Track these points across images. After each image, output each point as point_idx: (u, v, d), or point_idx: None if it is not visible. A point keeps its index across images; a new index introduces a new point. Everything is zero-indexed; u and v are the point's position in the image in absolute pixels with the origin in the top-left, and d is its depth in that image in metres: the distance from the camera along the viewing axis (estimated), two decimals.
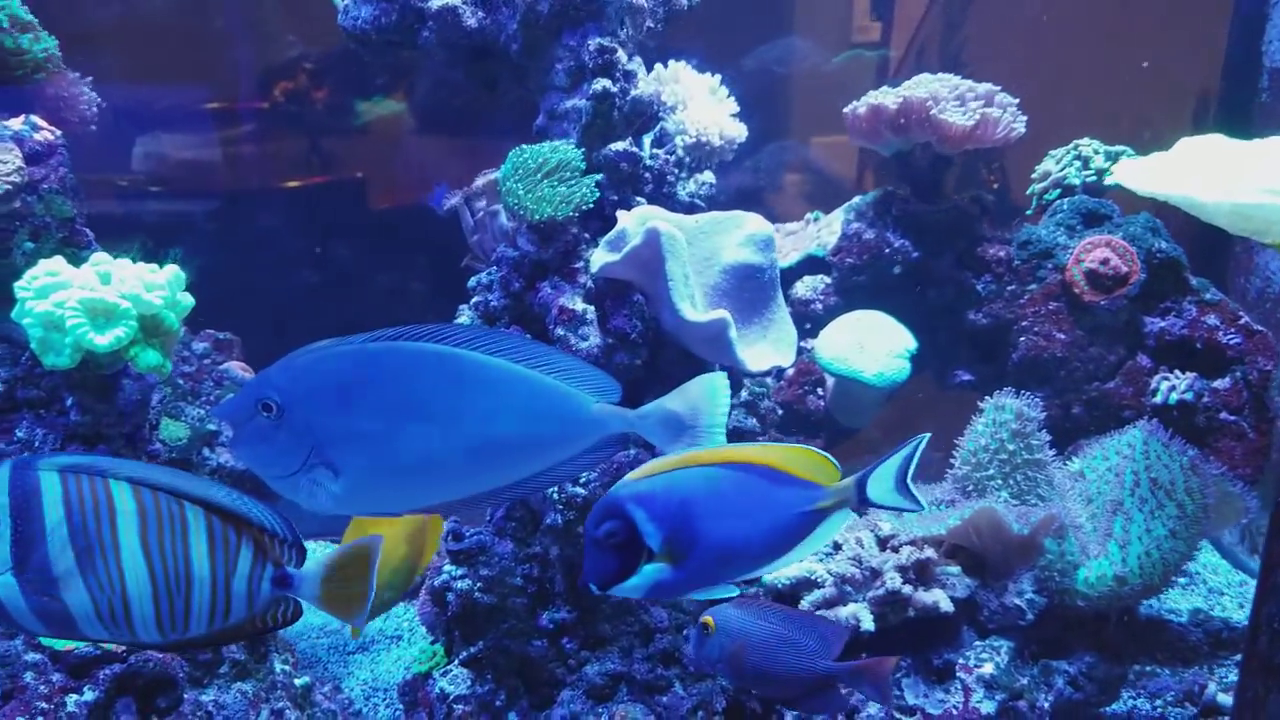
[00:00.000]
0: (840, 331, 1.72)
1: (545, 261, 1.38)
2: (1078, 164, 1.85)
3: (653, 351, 1.40)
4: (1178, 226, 1.81)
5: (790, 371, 1.85)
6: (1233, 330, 1.72)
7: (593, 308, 1.36)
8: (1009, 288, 1.81)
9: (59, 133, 1.44)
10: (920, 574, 1.38)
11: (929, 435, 0.88)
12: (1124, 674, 1.47)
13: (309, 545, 0.90)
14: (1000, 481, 1.47)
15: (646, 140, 1.47)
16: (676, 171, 1.48)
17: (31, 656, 1.27)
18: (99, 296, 1.21)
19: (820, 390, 1.87)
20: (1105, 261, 1.70)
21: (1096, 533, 1.45)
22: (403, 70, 2.34)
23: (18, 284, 1.23)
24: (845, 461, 2.24)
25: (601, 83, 1.37)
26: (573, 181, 1.34)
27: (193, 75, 2.29)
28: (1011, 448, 1.46)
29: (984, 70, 1.79)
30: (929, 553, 1.39)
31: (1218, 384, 1.70)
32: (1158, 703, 1.54)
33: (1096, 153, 1.84)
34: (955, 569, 1.41)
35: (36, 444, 1.35)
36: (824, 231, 1.94)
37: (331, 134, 2.43)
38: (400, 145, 2.50)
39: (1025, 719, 1.35)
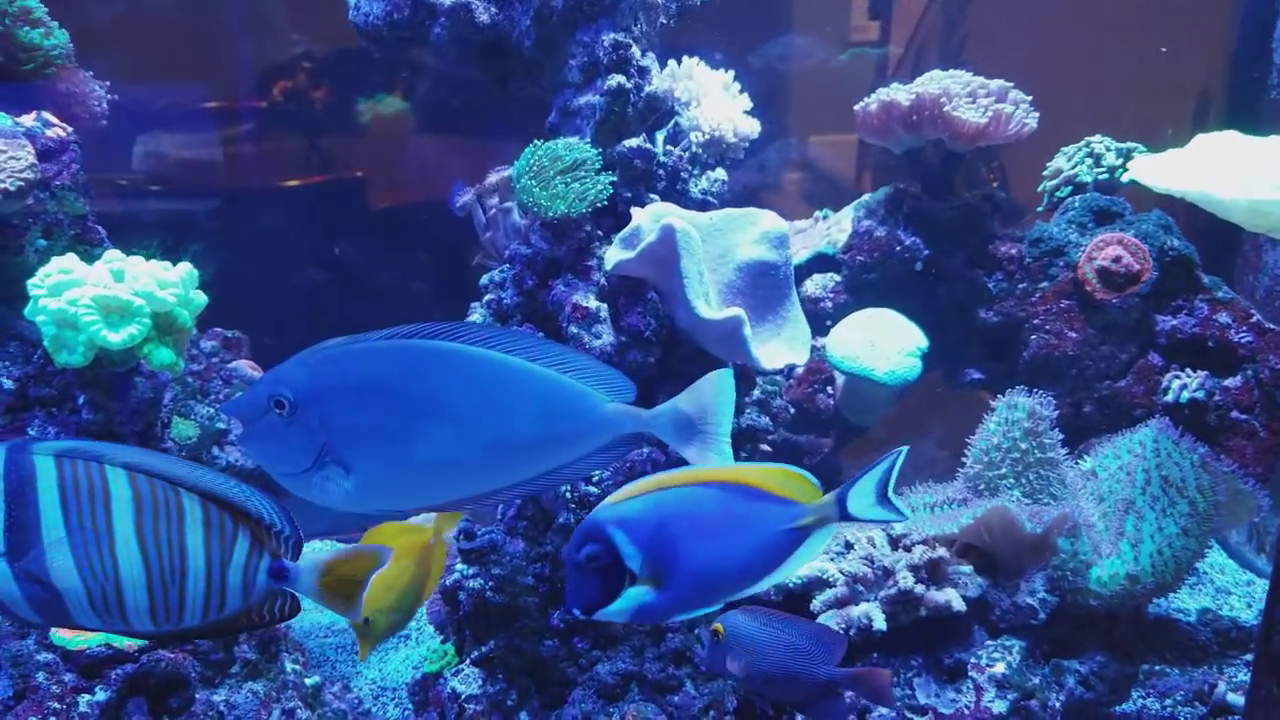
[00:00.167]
0: (851, 329, 1.71)
1: (559, 259, 1.38)
2: (1089, 161, 1.84)
3: (666, 349, 1.40)
4: (1184, 223, 1.81)
5: (800, 369, 1.85)
6: (1244, 328, 1.71)
7: (606, 305, 1.36)
8: (1020, 285, 1.80)
9: (70, 129, 1.43)
10: (932, 573, 1.38)
11: (907, 448, 0.88)
12: (1135, 673, 1.47)
13: (317, 545, 0.90)
14: (1013, 480, 1.47)
15: (660, 137, 1.46)
16: (690, 168, 1.47)
17: (44, 656, 1.27)
18: (112, 294, 1.21)
19: (830, 388, 1.87)
20: (1117, 259, 1.70)
21: (1109, 531, 1.45)
22: (409, 67, 2.34)
23: (31, 281, 1.22)
24: (854, 459, 2.24)
25: (616, 79, 1.36)
26: (586, 178, 1.33)
27: (195, 73, 2.28)
28: (1024, 446, 1.46)
29: (984, 68, 1.79)
30: (941, 552, 1.38)
31: (1229, 382, 1.69)
32: (1167, 702, 1.54)
33: (1109, 150, 1.83)
34: (967, 568, 1.41)
35: None
36: (834, 229, 1.94)
37: (335, 132, 2.43)
38: (405, 143, 2.50)
39: (1037, 718, 1.35)
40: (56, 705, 1.25)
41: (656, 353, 1.37)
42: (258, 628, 0.90)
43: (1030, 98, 1.72)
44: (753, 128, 1.53)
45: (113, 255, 1.26)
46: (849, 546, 1.44)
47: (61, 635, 1.28)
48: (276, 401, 0.86)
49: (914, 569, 1.36)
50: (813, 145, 2.54)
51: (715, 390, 0.91)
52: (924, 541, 1.39)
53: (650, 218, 1.31)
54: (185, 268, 1.28)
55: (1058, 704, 1.36)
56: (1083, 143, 1.89)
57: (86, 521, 0.78)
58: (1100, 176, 1.84)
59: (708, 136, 1.48)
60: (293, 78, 2.35)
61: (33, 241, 1.36)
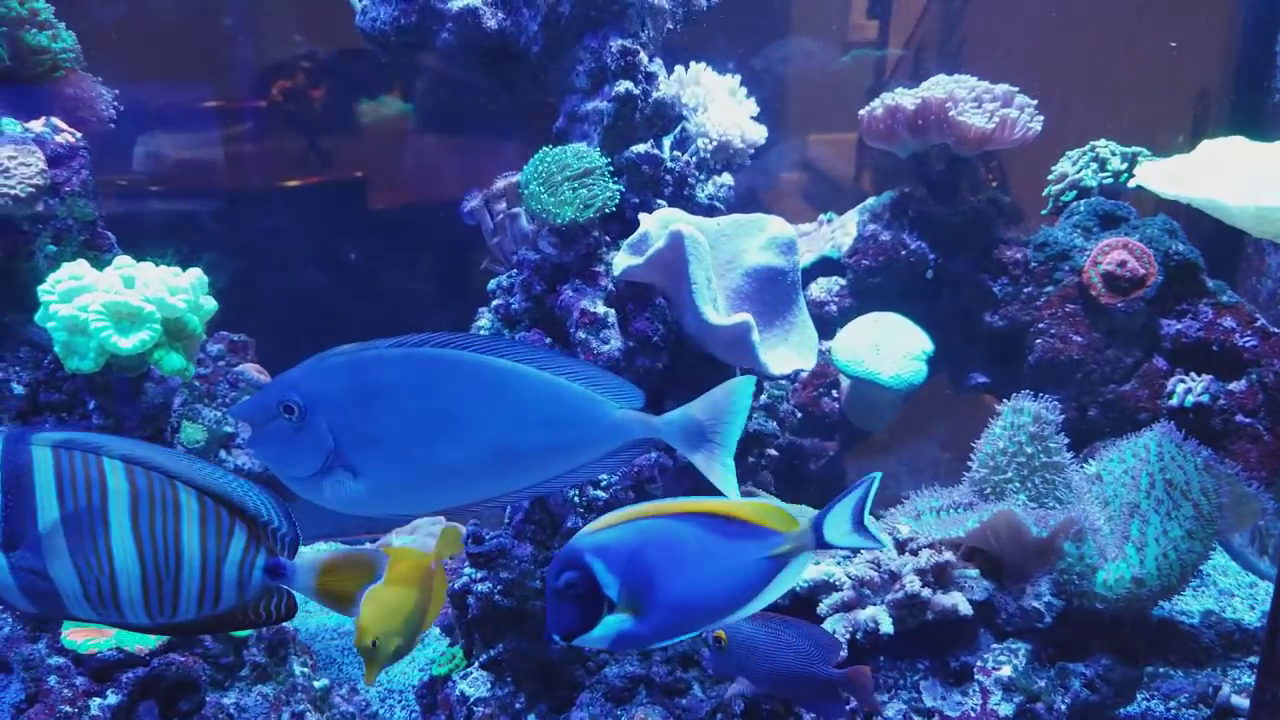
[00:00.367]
0: (857, 333, 1.72)
1: (566, 264, 1.38)
2: (1094, 165, 1.85)
3: (674, 355, 1.40)
4: (1186, 228, 1.81)
5: (804, 374, 1.85)
6: (1249, 333, 1.72)
7: (614, 311, 1.37)
8: (1025, 290, 1.81)
9: (79, 135, 1.43)
10: (939, 577, 1.38)
11: (880, 475, 0.90)
12: (1139, 676, 1.48)
13: (321, 546, 0.90)
14: (1018, 484, 1.47)
15: (666, 142, 1.47)
16: (697, 174, 1.48)
17: (55, 660, 1.28)
18: (123, 300, 1.21)
19: (835, 392, 1.88)
20: (1122, 264, 1.70)
21: (1114, 535, 1.45)
22: (414, 69, 2.34)
23: (41, 287, 1.23)
24: (859, 463, 2.24)
25: (624, 85, 1.37)
26: (594, 184, 1.34)
27: (198, 74, 2.28)
28: (1030, 450, 1.46)
29: (982, 69, 1.79)
30: (948, 555, 1.39)
31: (1234, 386, 1.70)
32: (1171, 704, 1.54)
33: (1113, 154, 1.84)
34: (974, 572, 1.41)
35: None
36: (838, 233, 1.94)
37: (338, 133, 2.43)
38: (411, 144, 2.50)
39: None
40: (68, 709, 1.26)
41: (664, 358, 1.38)
42: (254, 626, 0.89)
43: (1035, 102, 1.73)
44: (760, 134, 1.53)
45: (123, 261, 1.27)
46: (855, 551, 1.44)
47: (73, 639, 1.29)
48: (286, 407, 0.86)
49: (920, 573, 1.37)
50: (812, 147, 2.54)
51: (732, 398, 0.92)
52: (930, 545, 1.40)
53: (658, 224, 1.31)
54: (195, 273, 1.29)
55: (1063, 707, 1.37)
56: (1087, 147, 1.89)
57: (83, 513, 0.78)
58: (1105, 181, 1.85)
59: (715, 142, 1.49)
60: (293, 78, 2.35)
61: (42, 247, 1.37)
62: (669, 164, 1.45)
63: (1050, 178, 1.95)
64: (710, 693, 1.40)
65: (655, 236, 1.29)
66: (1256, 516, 1.53)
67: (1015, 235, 1.84)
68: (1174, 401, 1.69)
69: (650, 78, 1.42)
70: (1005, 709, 1.34)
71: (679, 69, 1.55)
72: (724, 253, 1.36)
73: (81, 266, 1.24)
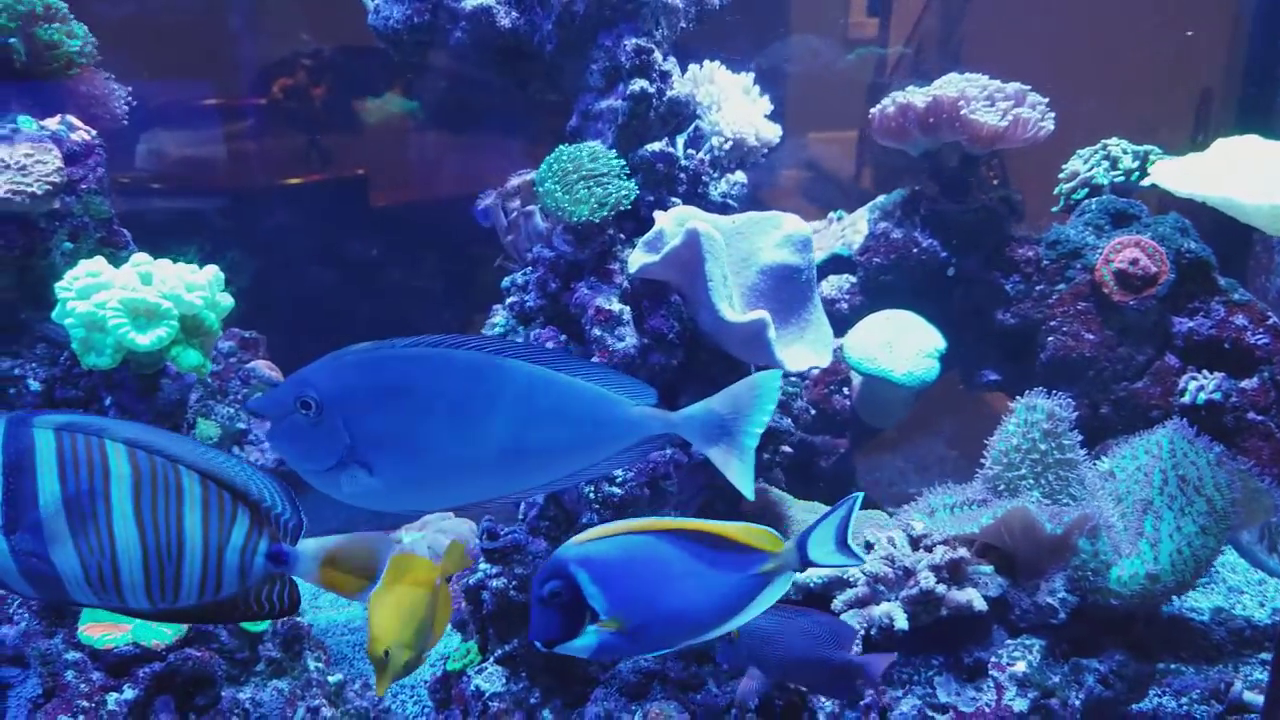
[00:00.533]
0: (869, 331, 1.72)
1: (581, 262, 1.38)
2: (1105, 164, 1.85)
3: (688, 352, 1.40)
4: (1194, 225, 1.81)
5: (815, 371, 1.85)
6: (1261, 330, 1.72)
7: (629, 308, 1.37)
8: (1037, 287, 1.81)
9: (95, 132, 1.44)
10: (953, 573, 1.38)
11: (862, 495, 0.92)
12: (1152, 672, 1.48)
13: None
14: (1032, 481, 1.47)
15: (680, 140, 1.47)
16: (711, 172, 1.48)
17: (72, 655, 1.29)
18: (140, 297, 1.21)
19: (846, 390, 1.88)
20: (1134, 262, 1.70)
21: (1128, 532, 1.46)
22: (423, 69, 2.34)
23: (59, 284, 1.23)
24: (869, 460, 2.24)
25: (639, 83, 1.37)
26: (609, 183, 1.34)
27: (206, 73, 2.29)
28: (1043, 447, 1.46)
29: (982, 67, 1.79)
30: (962, 552, 1.39)
31: (1245, 384, 1.70)
32: (1183, 700, 1.54)
33: (1125, 152, 1.84)
34: (988, 568, 1.41)
35: None
36: (849, 230, 1.95)
37: (342, 131, 2.44)
38: (417, 144, 2.50)
39: (1057, 716, 1.36)
40: (85, 704, 1.26)
41: (679, 355, 1.38)
42: (257, 618, 0.88)
43: (1047, 100, 1.73)
44: (774, 133, 1.54)
45: (140, 258, 1.27)
46: (869, 546, 1.45)
47: (89, 634, 1.29)
48: (303, 402, 0.87)
49: (935, 569, 1.37)
50: (813, 145, 2.54)
51: (756, 392, 0.92)
52: (945, 542, 1.40)
53: (674, 221, 1.31)
54: (212, 270, 1.29)
55: (1077, 702, 1.37)
56: (1099, 145, 1.90)
57: (84, 496, 0.77)
58: (1116, 179, 1.85)
59: (730, 141, 1.49)
60: (294, 75, 2.36)
61: (59, 244, 1.37)
62: (683, 162, 1.45)
63: (1061, 176, 1.95)
64: (725, 688, 1.40)
65: (671, 234, 1.30)
66: (1269, 513, 1.53)
67: (1027, 233, 1.85)
68: (1186, 399, 1.69)
69: (665, 76, 1.42)
70: (1020, 704, 1.34)
71: (693, 67, 1.55)
72: (739, 250, 1.36)
73: (99, 263, 1.25)
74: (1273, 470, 1.65)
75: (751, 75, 1.59)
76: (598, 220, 1.34)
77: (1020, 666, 1.37)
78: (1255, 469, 1.50)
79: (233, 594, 0.85)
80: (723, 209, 1.52)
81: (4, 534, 0.76)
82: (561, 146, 1.36)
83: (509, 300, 1.44)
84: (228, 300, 1.30)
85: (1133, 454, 1.53)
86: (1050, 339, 1.80)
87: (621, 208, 1.35)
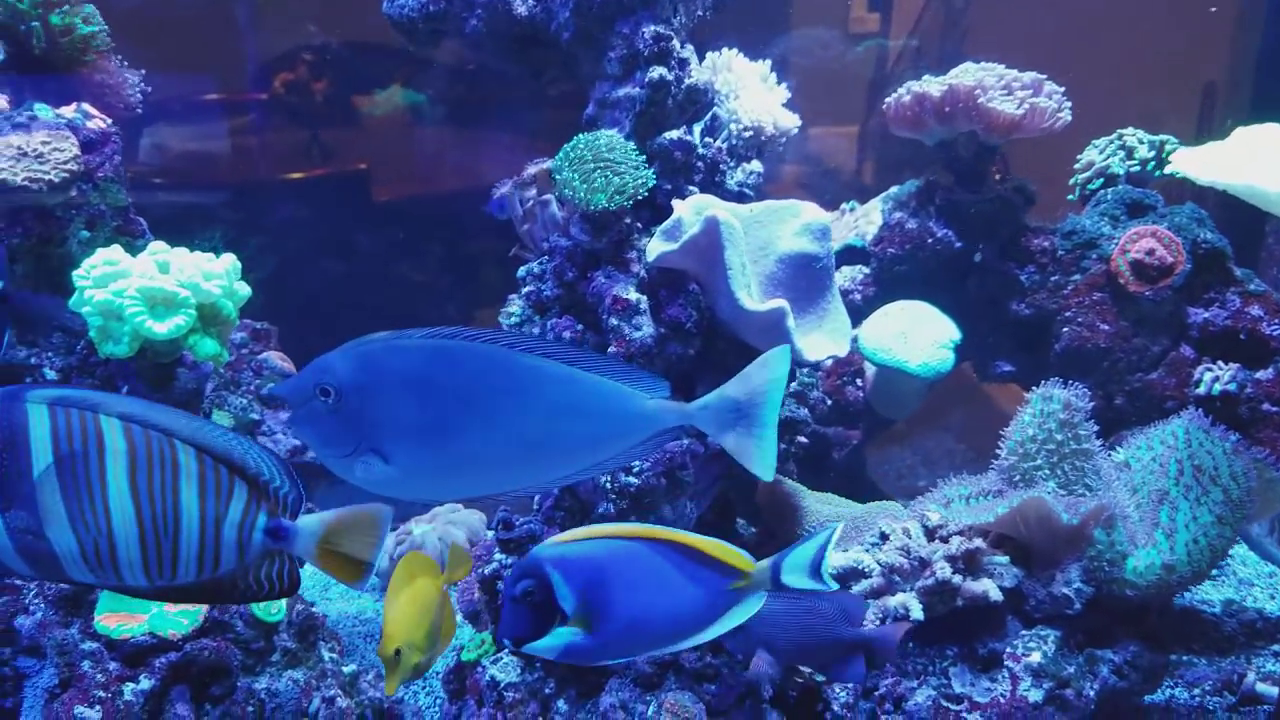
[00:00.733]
0: (884, 321, 1.72)
1: (598, 251, 1.38)
2: (1121, 154, 1.84)
3: (706, 341, 1.40)
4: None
5: (828, 362, 1.85)
6: (1276, 321, 1.72)
7: (646, 297, 1.36)
8: (1053, 278, 1.81)
9: (110, 121, 1.43)
10: (969, 564, 1.38)
11: (841, 525, 0.96)
12: (1166, 663, 1.48)
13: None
14: (1048, 471, 1.47)
15: (697, 129, 1.46)
16: (729, 160, 1.48)
17: (88, 645, 1.29)
18: (158, 285, 1.21)
19: (859, 381, 1.88)
20: (1151, 252, 1.70)
21: (1143, 522, 1.46)
22: (427, 62, 2.34)
23: (76, 273, 1.23)
24: (878, 452, 2.23)
25: (658, 70, 1.36)
26: (626, 171, 1.34)
27: (209, 67, 2.28)
28: (1059, 438, 1.46)
29: (985, 58, 1.78)
30: (978, 542, 1.39)
31: (1260, 375, 1.70)
32: (1196, 691, 1.54)
33: (1141, 142, 1.83)
34: (1003, 559, 1.41)
35: None
36: (862, 221, 1.94)
37: (347, 126, 2.43)
38: (420, 136, 2.50)
39: (1072, 707, 1.36)
40: (102, 694, 1.26)
41: (697, 345, 1.38)
42: (256, 598, 0.87)
43: (1063, 89, 1.72)
44: (793, 122, 1.53)
45: (157, 247, 1.27)
46: (884, 538, 1.44)
47: (105, 624, 1.29)
48: (322, 389, 0.88)
49: (951, 559, 1.37)
50: (815, 138, 2.53)
51: (769, 371, 0.92)
52: (960, 532, 1.40)
53: (692, 210, 1.31)
54: (230, 259, 1.29)
55: (1092, 693, 1.37)
56: (1114, 135, 1.89)
57: (79, 471, 0.76)
58: (1132, 169, 1.84)
59: (748, 130, 1.48)
60: (299, 70, 2.35)
61: (76, 233, 1.37)
62: (700, 150, 1.45)
63: (1077, 166, 1.94)
64: (739, 678, 1.40)
65: (689, 223, 1.29)
66: None
67: (1042, 223, 1.84)
68: (1201, 390, 1.69)
69: (683, 64, 1.41)
70: (1035, 695, 1.34)
71: (711, 55, 1.55)
72: (757, 239, 1.36)
73: (116, 252, 1.24)
74: None
75: (768, 63, 1.58)
76: (615, 208, 1.33)
77: (1035, 657, 1.37)
78: (1270, 459, 1.49)
79: (232, 571, 0.83)
80: (739, 198, 1.51)
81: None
82: (578, 135, 1.36)
83: (525, 289, 1.44)
84: (245, 289, 1.30)
85: (1148, 444, 1.52)
86: (1065, 330, 1.79)
87: (639, 196, 1.34)
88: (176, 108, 2.21)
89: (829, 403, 1.76)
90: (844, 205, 2.09)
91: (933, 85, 1.71)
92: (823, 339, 1.34)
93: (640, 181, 1.33)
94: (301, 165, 2.44)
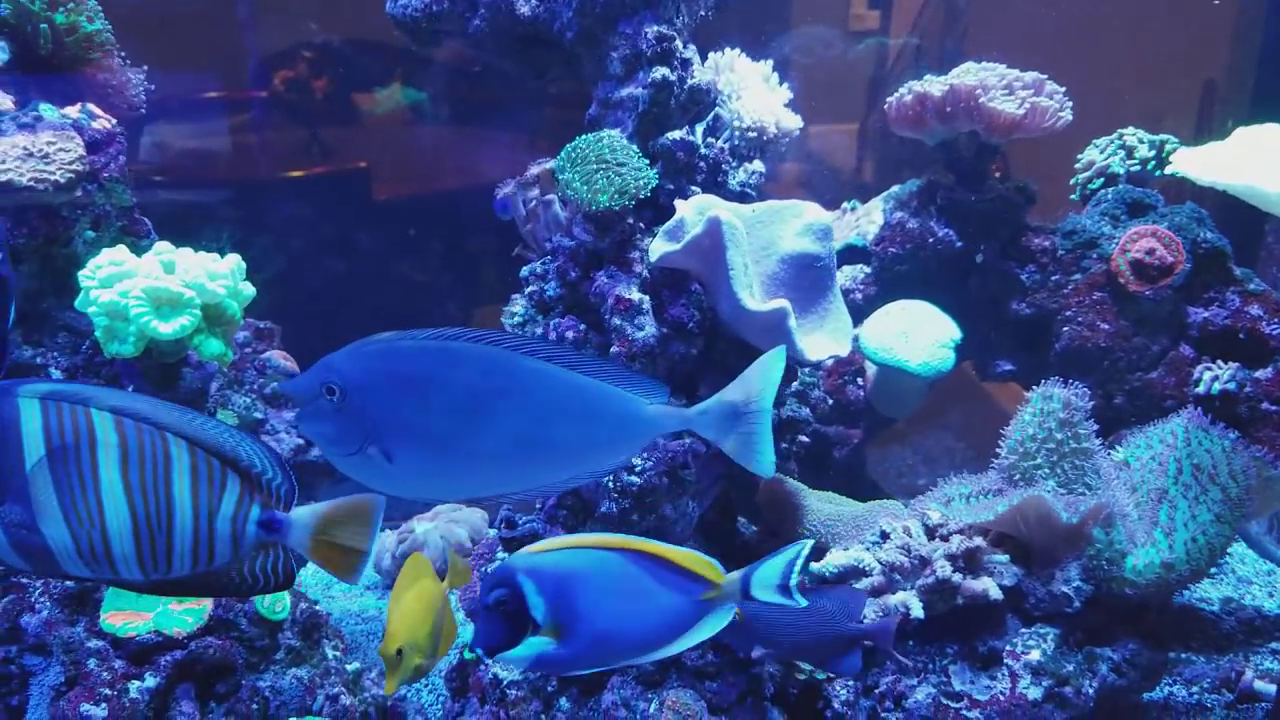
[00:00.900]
0: (885, 321, 1.73)
1: (601, 251, 1.38)
2: (1121, 153, 1.85)
3: (708, 341, 1.41)
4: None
5: (829, 361, 1.86)
6: (1276, 320, 1.72)
7: (649, 297, 1.37)
8: (1053, 277, 1.81)
9: (115, 121, 1.43)
10: (969, 562, 1.39)
11: (812, 542, 0.95)
12: (1165, 661, 1.49)
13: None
14: (1047, 470, 1.48)
15: (699, 129, 1.47)
16: (731, 160, 1.48)
17: (94, 643, 1.30)
18: (163, 285, 1.22)
19: (860, 380, 1.88)
20: (1151, 252, 1.70)
21: (1142, 521, 1.46)
22: (428, 61, 2.34)
23: (82, 273, 1.23)
24: (878, 450, 2.24)
25: (661, 71, 1.37)
26: (629, 171, 1.34)
27: (213, 64, 2.28)
28: (1059, 437, 1.47)
29: (985, 56, 1.79)
30: (978, 541, 1.40)
31: (1260, 374, 1.70)
32: (1194, 689, 1.55)
33: (1141, 142, 1.84)
34: (1003, 557, 1.42)
35: None
36: (863, 220, 1.95)
37: (346, 124, 2.43)
38: (422, 135, 2.50)
39: (1071, 704, 1.37)
40: (107, 691, 1.27)
41: (699, 345, 1.38)
42: (252, 591, 0.87)
43: (1064, 89, 1.73)
44: (795, 123, 1.53)
45: (163, 247, 1.27)
46: (885, 536, 1.45)
47: (111, 622, 1.30)
48: (327, 388, 0.89)
49: (951, 558, 1.37)
50: (814, 136, 2.53)
51: (765, 372, 0.94)
52: (961, 531, 1.41)
53: (695, 210, 1.31)
54: (234, 259, 1.29)
55: (1091, 690, 1.38)
56: (1115, 135, 1.90)
57: (72, 466, 0.76)
58: (1132, 168, 1.85)
59: (751, 131, 1.49)
60: (298, 68, 2.35)
61: (81, 233, 1.37)
62: (703, 150, 1.45)
63: (1077, 165, 1.95)
64: (740, 676, 1.41)
65: (692, 223, 1.30)
66: None
67: (1043, 223, 1.85)
68: (1200, 389, 1.70)
69: (686, 64, 1.42)
70: (1034, 693, 1.35)
71: (714, 55, 1.55)
72: (759, 239, 1.36)
73: (122, 252, 1.25)
74: None
75: (770, 63, 1.58)
76: (618, 208, 1.34)
77: (1035, 655, 1.38)
78: (1269, 457, 1.50)
79: (227, 564, 0.84)
80: (741, 198, 1.52)
81: None
82: (581, 135, 1.36)
83: (528, 289, 1.45)
84: (249, 289, 1.30)
85: (1147, 443, 1.53)
86: (1065, 329, 1.80)
87: (641, 196, 1.35)
88: (175, 105, 2.21)
89: (830, 402, 1.76)
90: (845, 204, 2.10)
91: (934, 85, 1.71)
92: (824, 339, 1.35)
93: (642, 182, 1.34)
94: (301, 163, 2.44)
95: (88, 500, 0.77)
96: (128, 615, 1.30)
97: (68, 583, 1.29)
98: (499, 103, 2.35)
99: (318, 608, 1.51)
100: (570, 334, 1.38)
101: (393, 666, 1.20)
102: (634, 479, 1.38)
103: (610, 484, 1.39)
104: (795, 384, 1.53)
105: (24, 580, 1.30)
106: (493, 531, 2.04)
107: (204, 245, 1.34)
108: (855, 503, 1.65)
